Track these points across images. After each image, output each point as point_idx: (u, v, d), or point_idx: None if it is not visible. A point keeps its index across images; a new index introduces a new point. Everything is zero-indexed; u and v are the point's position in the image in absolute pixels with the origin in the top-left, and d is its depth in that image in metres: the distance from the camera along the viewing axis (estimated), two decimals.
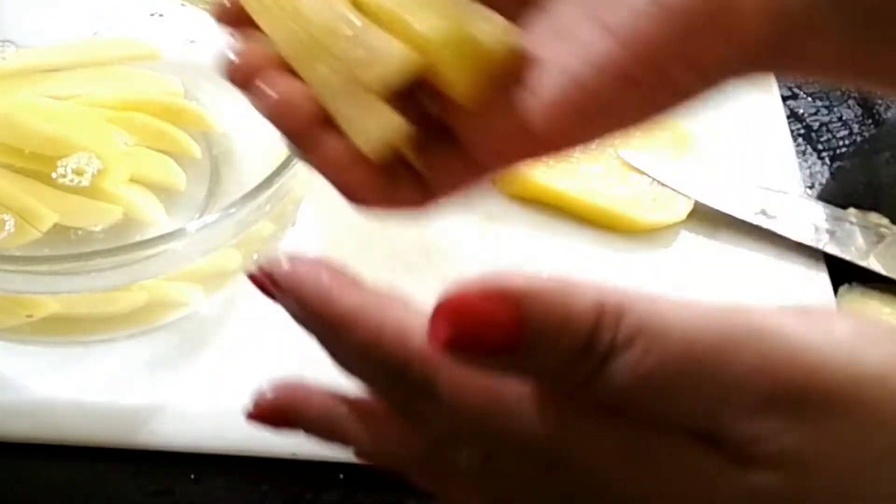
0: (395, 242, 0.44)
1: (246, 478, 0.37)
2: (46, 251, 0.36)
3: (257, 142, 0.41)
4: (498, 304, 0.19)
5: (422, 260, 0.43)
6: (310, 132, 0.24)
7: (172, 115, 0.41)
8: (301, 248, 0.43)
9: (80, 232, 0.37)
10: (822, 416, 0.18)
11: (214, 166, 0.41)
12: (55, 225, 0.36)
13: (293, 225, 0.40)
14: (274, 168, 0.33)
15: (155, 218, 0.38)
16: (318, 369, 0.41)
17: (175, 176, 0.40)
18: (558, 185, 0.45)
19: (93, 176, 0.37)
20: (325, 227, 0.44)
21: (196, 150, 0.41)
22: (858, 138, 0.53)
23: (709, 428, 0.19)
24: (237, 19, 0.24)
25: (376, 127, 0.22)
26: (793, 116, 0.53)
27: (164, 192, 0.40)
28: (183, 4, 0.43)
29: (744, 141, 0.50)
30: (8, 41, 0.40)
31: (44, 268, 0.30)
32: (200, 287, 0.37)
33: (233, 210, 0.31)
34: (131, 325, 0.36)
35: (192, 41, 0.43)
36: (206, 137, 0.42)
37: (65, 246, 0.36)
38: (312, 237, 0.44)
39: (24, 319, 0.34)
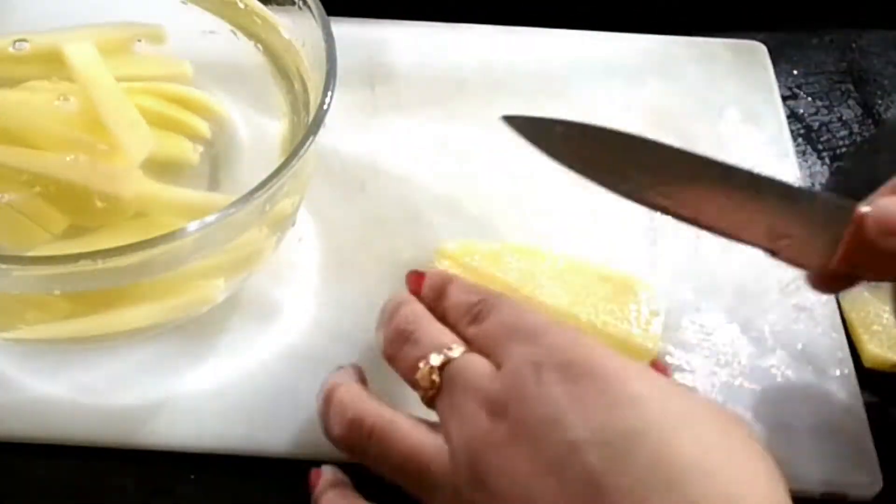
0: (395, 242, 0.44)
1: (246, 478, 0.37)
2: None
3: (258, 133, 0.42)
4: None
5: (421, 259, 0.43)
6: None
7: (179, 100, 0.41)
8: (301, 247, 0.44)
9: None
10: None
11: (215, 159, 0.41)
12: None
13: (293, 225, 0.40)
14: (274, 167, 0.32)
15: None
16: (316, 368, 0.41)
17: (188, 152, 0.40)
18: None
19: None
20: (324, 227, 0.44)
21: (205, 129, 0.40)
22: (858, 138, 0.53)
23: None
24: None
25: None
26: (793, 116, 0.53)
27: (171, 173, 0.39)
28: (184, 2, 0.43)
29: (743, 141, 0.50)
30: (22, 40, 0.40)
31: (43, 269, 0.30)
32: (203, 286, 0.37)
33: (232, 210, 0.31)
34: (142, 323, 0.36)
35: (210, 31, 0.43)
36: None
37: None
38: (312, 237, 0.44)
39: (33, 322, 0.34)
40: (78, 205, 0.36)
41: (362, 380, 0.36)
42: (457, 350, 0.33)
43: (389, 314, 0.36)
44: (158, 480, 0.37)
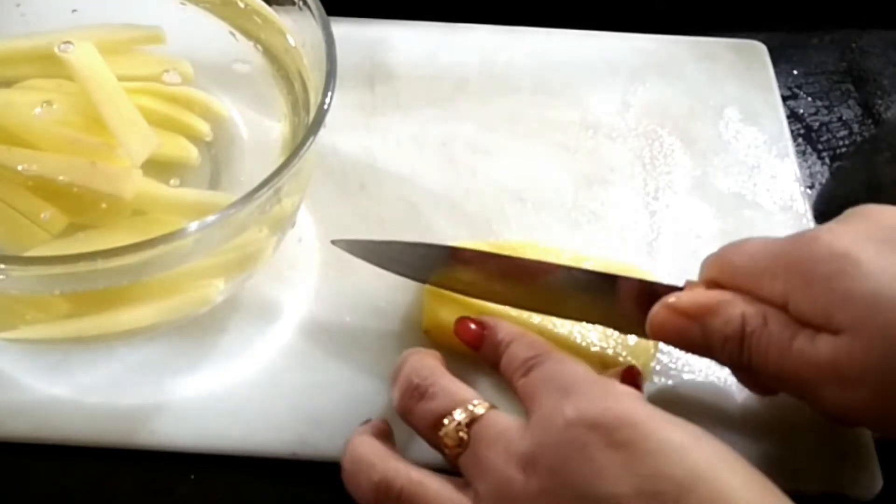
0: None
1: (246, 478, 0.37)
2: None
3: (258, 133, 0.42)
4: None
5: None
6: None
7: (179, 100, 0.41)
8: (301, 247, 0.44)
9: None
10: None
11: (215, 159, 0.41)
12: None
13: (293, 226, 0.40)
14: (275, 167, 0.32)
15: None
16: (317, 368, 0.41)
17: (188, 152, 0.39)
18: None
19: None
20: (324, 227, 0.44)
21: (206, 130, 0.40)
22: (858, 138, 0.53)
23: None
24: None
25: None
26: (793, 116, 0.53)
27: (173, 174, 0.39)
28: (183, 3, 0.43)
29: (743, 141, 0.50)
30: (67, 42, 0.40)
31: (42, 269, 0.30)
32: (202, 286, 0.37)
33: (233, 210, 0.31)
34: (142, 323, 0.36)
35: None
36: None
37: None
38: (312, 237, 0.44)
39: (33, 322, 0.34)
40: (78, 205, 0.36)
41: (388, 434, 0.35)
42: (481, 406, 0.32)
43: (398, 368, 0.35)
44: (158, 480, 0.37)
